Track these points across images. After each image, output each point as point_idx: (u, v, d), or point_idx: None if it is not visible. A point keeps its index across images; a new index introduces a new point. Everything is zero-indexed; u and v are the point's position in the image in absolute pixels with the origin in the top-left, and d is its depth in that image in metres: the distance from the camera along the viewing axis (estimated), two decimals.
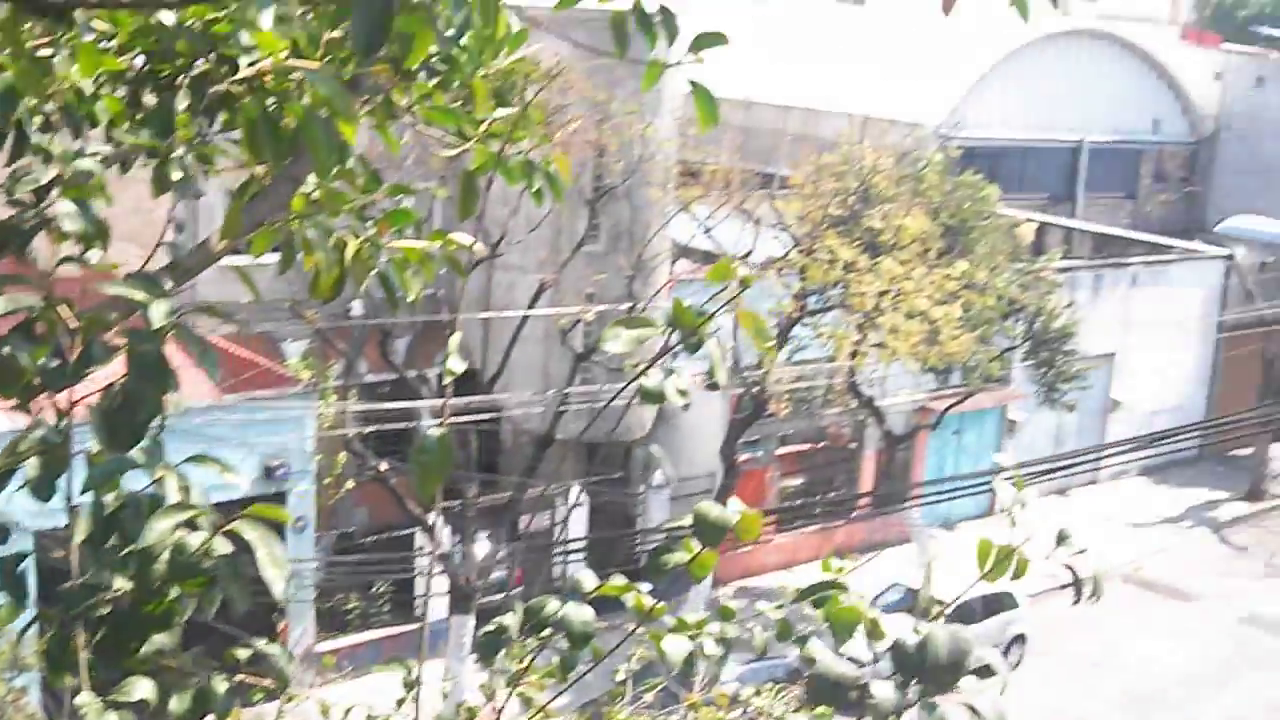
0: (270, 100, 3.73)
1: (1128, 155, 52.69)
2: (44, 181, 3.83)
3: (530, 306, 27.19)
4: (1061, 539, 3.76)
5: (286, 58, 3.63)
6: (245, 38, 3.71)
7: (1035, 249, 36.41)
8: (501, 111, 4.24)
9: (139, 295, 3.34)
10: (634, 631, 3.93)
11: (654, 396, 3.60)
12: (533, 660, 4.55)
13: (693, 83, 3.71)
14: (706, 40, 3.57)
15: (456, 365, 3.93)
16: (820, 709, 5.39)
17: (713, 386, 3.75)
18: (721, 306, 3.61)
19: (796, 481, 35.92)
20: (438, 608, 26.47)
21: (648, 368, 3.62)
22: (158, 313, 3.31)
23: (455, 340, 4.02)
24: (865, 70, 44.55)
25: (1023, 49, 46.35)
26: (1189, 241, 46.12)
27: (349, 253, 4.24)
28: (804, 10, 51.46)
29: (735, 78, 36.90)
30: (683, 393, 3.59)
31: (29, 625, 3.82)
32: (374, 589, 29.24)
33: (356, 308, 27.59)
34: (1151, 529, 39.37)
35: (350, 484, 25.98)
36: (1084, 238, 45.97)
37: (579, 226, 29.13)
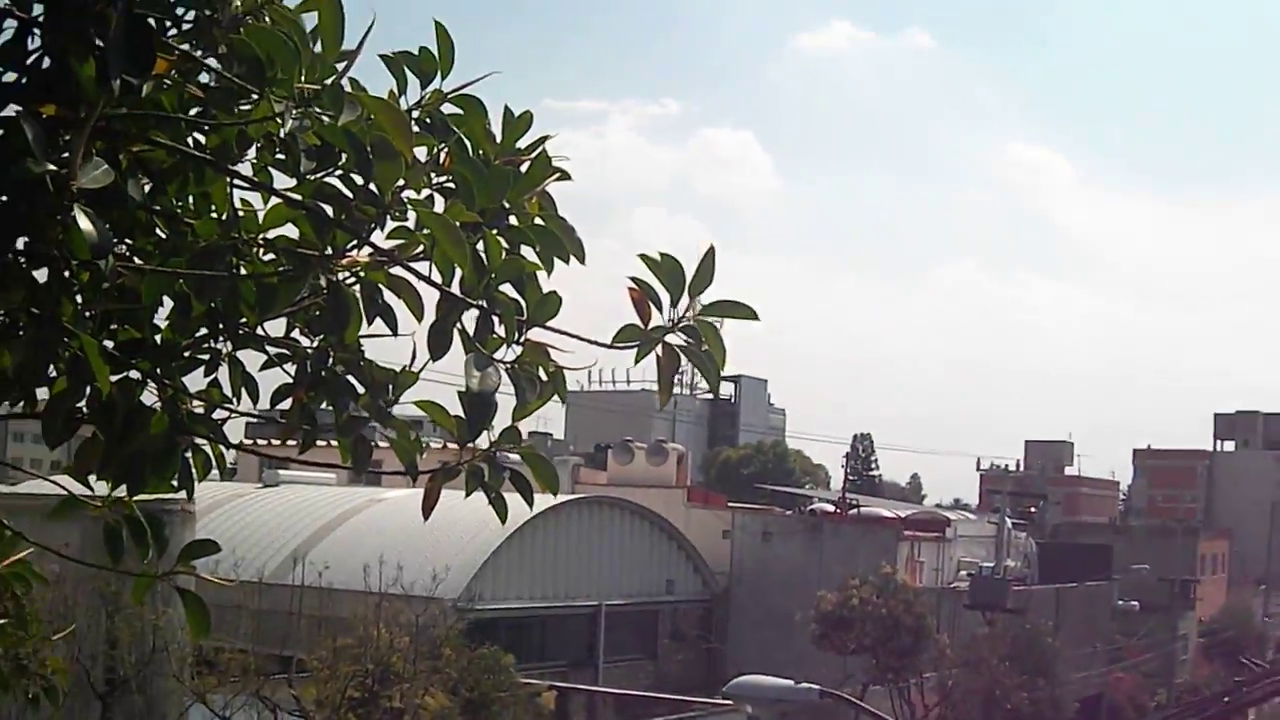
0: None
1: (645, 617, 54.03)
2: None
3: None
4: None
5: None
6: None
7: (558, 716, 36.61)
8: None
9: None
10: None
11: None
12: None
13: (182, 592, 3.78)
14: (197, 549, 3.73)
15: None
16: None
17: None
18: None
19: None
20: None
21: None
22: None
23: None
24: (382, 546, 44.69)
25: (536, 517, 47.48)
26: (711, 697, 47.11)
27: None
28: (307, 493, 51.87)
29: (249, 561, 36.59)
30: None
31: None
32: None
33: None
34: None
35: None
36: (607, 701, 46.44)
37: None
